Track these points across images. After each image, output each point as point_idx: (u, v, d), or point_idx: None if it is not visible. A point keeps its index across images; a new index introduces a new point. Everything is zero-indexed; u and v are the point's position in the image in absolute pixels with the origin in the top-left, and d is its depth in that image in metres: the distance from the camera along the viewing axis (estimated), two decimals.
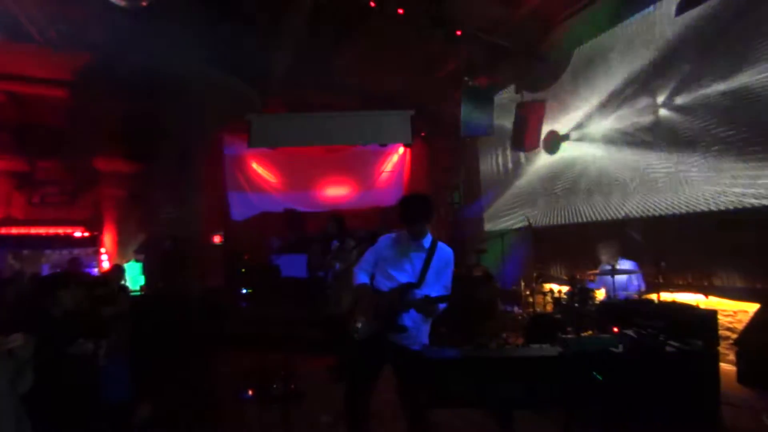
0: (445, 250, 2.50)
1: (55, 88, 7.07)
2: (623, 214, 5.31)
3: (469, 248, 7.94)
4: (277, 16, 5.99)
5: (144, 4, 5.02)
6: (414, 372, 2.42)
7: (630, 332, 2.63)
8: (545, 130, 6.56)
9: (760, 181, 4.03)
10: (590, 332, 3.23)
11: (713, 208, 4.40)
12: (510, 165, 7.42)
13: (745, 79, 4.13)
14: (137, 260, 7.87)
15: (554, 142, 6.45)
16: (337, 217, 4.75)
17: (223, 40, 6.23)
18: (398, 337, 2.41)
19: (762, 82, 4.00)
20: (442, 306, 2.38)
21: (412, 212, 2.46)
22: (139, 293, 6.40)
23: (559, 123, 6.40)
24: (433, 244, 2.47)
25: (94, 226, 8.25)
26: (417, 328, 2.42)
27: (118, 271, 5.69)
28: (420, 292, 2.37)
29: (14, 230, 7.91)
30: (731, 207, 4.25)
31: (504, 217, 7.53)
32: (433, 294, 2.36)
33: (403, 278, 2.45)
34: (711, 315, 3.36)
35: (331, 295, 4.52)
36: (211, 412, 3.68)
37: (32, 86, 7.16)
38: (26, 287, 5.20)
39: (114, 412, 3.48)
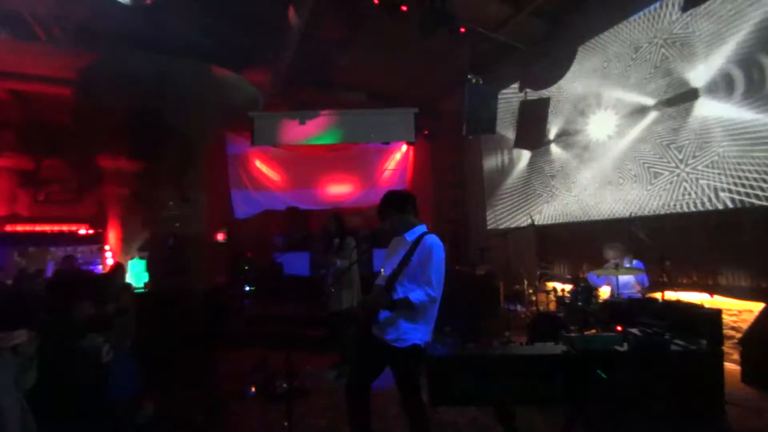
0: (426, 243, 2.37)
1: (59, 87, 7.10)
2: (628, 212, 5.28)
3: (473, 247, 7.93)
4: (281, 13, 5.98)
5: (148, 2, 5.03)
6: (396, 368, 2.41)
7: (634, 331, 2.61)
8: (548, 127, 6.53)
9: (765, 179, 3.99)
10: (594, 331, 3.23)
11: (718, 206, 4.36)
12: (514, 163, 7.39)
13: (753, 74, 4.10)
14: (141, 258, 7.90)
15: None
16: (337, 216, 4.75)
17: (226, 38, 6.24)
18: (379, 333, 2.42)
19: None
20: (415, 299, 2.27)
21: (378, 208, 2.53)
22: (142, 290, 6.43)
23: (563, 120, 6.37)
24: (418, 239, 2.41)
25: (99, 224, 8.30)
26: (392, 324, 2.36)
27: (120, 268, 5.71)
28: (399, 287, 2.37)
29: (19, 228, 7.97)
30: (736, 206, 4.21)
31: (507, 216, 7.50)
32: (409, 289, 2.33)
33: (389, 273, 2.46)
34: (716, 314, 3.34)
35: (332, 293, 4.53)
36: (214, 409, 3.69)
37: (37, 84, 7.19)
38: (35, 283, 5.23)
39: (117, 409, 3.50)
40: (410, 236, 2.45)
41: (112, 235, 8.39)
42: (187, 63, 6.82)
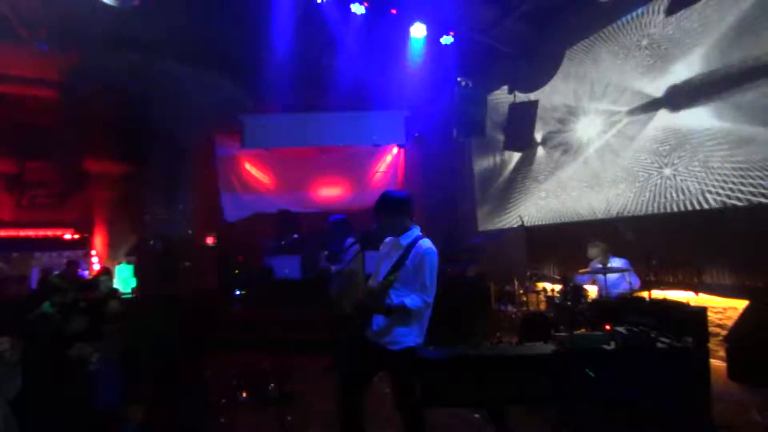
0: (421, 248, 2.36)
1: (44, 89, 6.99)
2: (615, 213, 5.36)
3: (464, 248, 7.96)
4: (270, 14, 5.96)
5: (136, 3, 4.98)
6: (390, 371, 2.41)
7: (622, 329, 2.65)
8: (537, 129, 6.61)
9: (748, 180, 4.09)
10: (583, 330, 3.26)
11: (703, 206, 4.45)
12: (503, 164, 7.46)
13: (734, 78, 4.20)
14: (128, 262, 7.79)
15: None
16: (340, 219, 4.66)
17: (215, 39, 6.21)
18: (373, 336, 2.41)
19: (751, 81, 4.06)
20: (412, 305, 2.25)
21: (374, 208, 2.49)
22: (130, 296, 6.33)
23: (551, 123, 6.45)
24: (413, 243, 2.39)
25: (85, 228, 8.14)
26: (385, 328, 2.36)
27: (107, 274, 5.63)
28: (393, 292, 2.34)
29: (3, 232, 7.79)
30: (720, 205, 4.30)
31: (498, 217, 7.56)
32: (402, 294, 2.32)
33: (383, 277, 2.43)
34: (701, 312, 3.39)
35: (333, 295, 4.46)
36: (204, 415, 3.64)
37: (21, 86, 7.07)
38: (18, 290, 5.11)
39: (105, 417, 3.44)
40: (405, 240, 2.44)
41: (99, 240, 8.24)
42: (175, 64, 6.77)
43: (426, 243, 2.40)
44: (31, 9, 5.43)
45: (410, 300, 2.29)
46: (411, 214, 2.52)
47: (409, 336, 2.36)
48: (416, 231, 2.48)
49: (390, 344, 2.35)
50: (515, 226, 6.64)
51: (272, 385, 4.10)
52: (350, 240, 4.27)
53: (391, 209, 2.47)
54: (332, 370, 4.65)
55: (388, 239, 2.58)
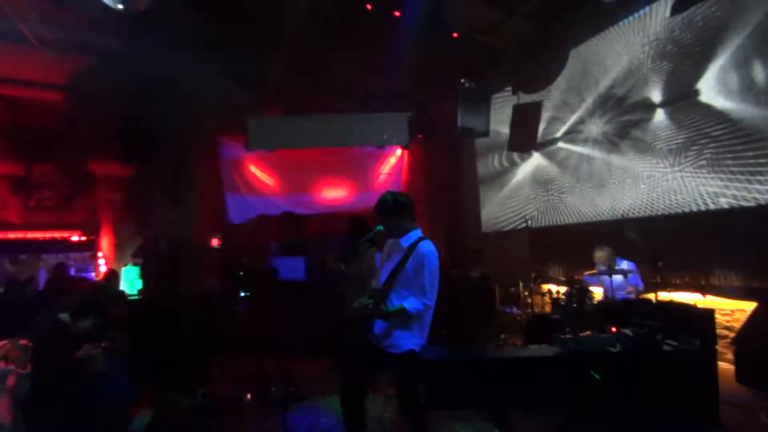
0: (421, 250, 2.34)
1: (51, 92, 7.05)
2: (620, 214, 5.32)
3: (468, 250, 7.94)
4: (274, 17, 5.99)
5: (141, 8, 5.01)
6: (393, 374, 2.41)
7: (628, 332, 2.64)
8: (541, 130, 6.59)
9: (755, 180, 4.05)
10: (588, 332, 3.24)
11: (710, 207, 4.41)
12: (507, 166, 7.44)
13: (741, 77, 4.16)
14: (134, 264, 7.84)
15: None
16: (353, 219, 4.64)
17: (219, 43, 6.24)
18: (375, 340, 2.41)
19: (759, 80, 4.02)
20: (411, 308, 2.26)
21: (374, 210, 2.49)
22: (136, 297, 6.37)
23: (556, 123, 6.42)
24: (413, 245, 2.38)
25: (91, 230, 8.22)
26: (387, 331, 2.35)
27: (114, 275, 5.66)
28: (393, 295, 2.35)
29: (11, 235, 7.87)
30: (727, 206, 4.26)
31: (502, 218, 7.54)
32: (403, 296, 2.32)
33: (383, 279, 2.44)
34: (708, 314, 3.36)
35: (346, 296, 4.44)
36: (209, 416, 3.66)
37: (28, 89, 7.13)
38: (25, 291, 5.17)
39: (111, 418, 3.46)
40: (405, 242, 2.43)
41: (105, 242, 8.31)
42: (180, 67, 6.81)
43: (426, 245, 2.38)
44: (37, 13, 5.48)
45: (409, 303, 2.29)
46: (412, 216, 2.51)
47: (410, 339, 2.35)
48: (417, 233, 2.46)
49: (391, 347, 2.35)
50: (520, 227, 6.62)
51: (276, 386, 4.10)
52: (362, 240, 4.27)
53: (391, 211, 2.45)
54: (335, 372, 4.64)
55: (390, 240, 2.58)
